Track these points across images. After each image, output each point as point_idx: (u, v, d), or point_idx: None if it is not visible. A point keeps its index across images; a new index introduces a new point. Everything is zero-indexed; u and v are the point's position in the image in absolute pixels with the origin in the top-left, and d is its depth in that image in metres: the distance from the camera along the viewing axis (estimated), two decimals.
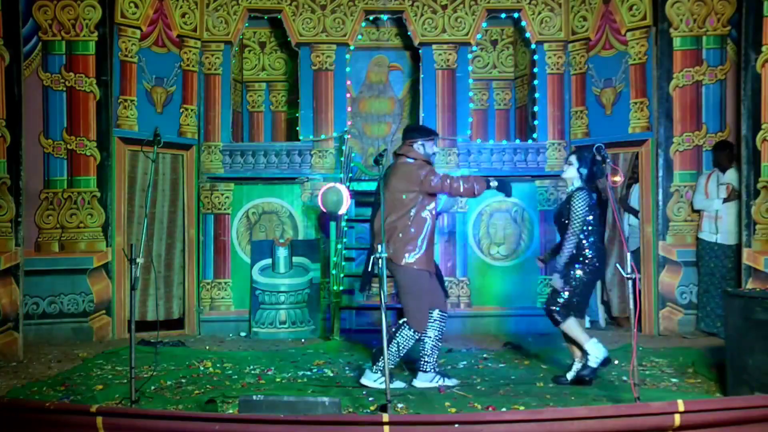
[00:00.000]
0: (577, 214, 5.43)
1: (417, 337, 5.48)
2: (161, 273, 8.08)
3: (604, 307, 8.46)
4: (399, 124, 9.27)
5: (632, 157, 8.10)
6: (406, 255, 5.41)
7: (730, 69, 7.66)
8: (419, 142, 5.62)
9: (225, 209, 8.37)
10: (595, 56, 8.28)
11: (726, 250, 7.50)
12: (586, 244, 5.46)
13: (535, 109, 8.52)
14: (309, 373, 6.02)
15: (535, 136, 8.51)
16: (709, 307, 7.57)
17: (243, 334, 8.09)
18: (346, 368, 6.21)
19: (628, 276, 4.55)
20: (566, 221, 5.51)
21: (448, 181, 5.44)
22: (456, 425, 3.79)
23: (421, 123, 8.51)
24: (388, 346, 5.45)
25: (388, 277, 5.49)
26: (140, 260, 4.76)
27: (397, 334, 5.46)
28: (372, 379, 5.45)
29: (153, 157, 5.10)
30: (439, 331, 5.55)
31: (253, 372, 6.05)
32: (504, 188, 5.63)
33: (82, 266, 7.58)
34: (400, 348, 5.44)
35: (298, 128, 8.56)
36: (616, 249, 8.21)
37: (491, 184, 5.56)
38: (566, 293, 5.46)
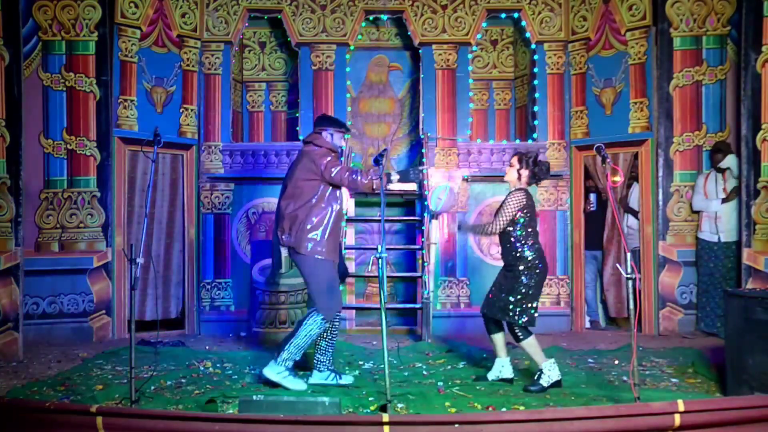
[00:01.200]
0: (506, 209, 5.40)
1: (326, 326, 5.41)
2: (161, 273, 8.08)
3: (603, 307, 8.46)
4: (399, 124, 9.27)
5: (632, 157, 8.10)
6: (308, 244, 5.36)
7: (730, 69, 7.66)
8: (329, 131, 5.59)
9: (225, 209, 8.37)
10: (595, 56, 8.28)
11: (726, 250, 7.50)
12: (527, 247, 5.42)
13: (535, 109, 8.52)
14: (309, 373, 6.01)
15: (535, 136, 8.51)
16: (708, 307, 7.58)
17: (243, 334, 8.09)
18: (346, 368, 6.20)
19: (628, 276, 4.56)
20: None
21: (347, 173, 5.37)
22: (456, 425, 3.79)
23: (421, 123, 8.52)
24: (294, 337, 5.34)
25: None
26: (140, 260, 4.76)
27: (305, 322, 5.36)
28: (275, 372, 5.32)
29: (153, 157, 5.10)
30: (322, 330, 5.45)
31: (253, 372, 6.04)
32: (407, 179, 5.62)
33: (82, 266, 7.58)
34: (307, 339, 5.34)
35: (298, 128, 8.56)
36: (615, 249, 8.21)
37: (392, 178, 5.51)
38: (518, 304, 5.38)
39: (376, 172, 5.38)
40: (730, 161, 7.48)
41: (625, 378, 5.58)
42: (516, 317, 5.38)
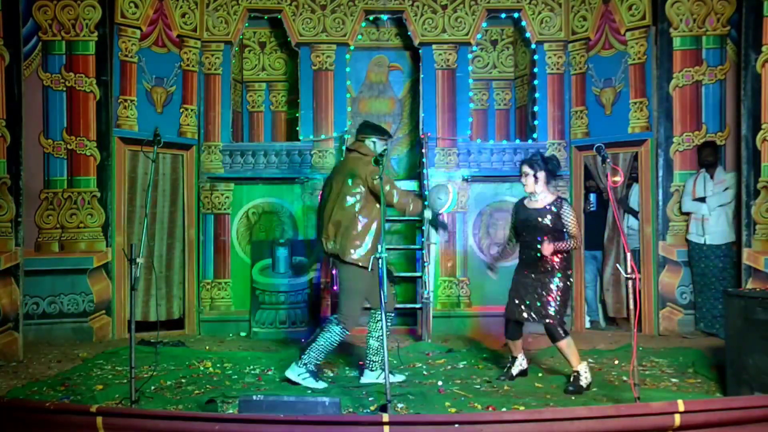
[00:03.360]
0: (571, 223, 5.44)
1: (344, 335, 5.47)
2: (162, 273, 8.07)
3: (602, 307, 8.46)
4: (399, 124, 9.27)
5: (632, 157, 8.10)
6: (352, 251, 5.37)
7: (730, 69, 7.66)
8: (372, 139, 5.61)
9: (225, 209, 8.37)
10: (595, 56, 8.28)
11: (715, 250, 7.52)
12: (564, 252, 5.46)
13: (535, 109, 8.52)
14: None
15: (535, 136, 8.51)
16: (705, 308, 7.58)
17: (243, 334, 8.09)
18: (346, 368, 6.21)
19: (628, 276, 4.56)
20: (544, 230, 5.47)
21: (388, 187, 5.36)
22: (456, 425, 3.79)
23: (421, 123, 8.52)
24: (315, 341, 5.44)
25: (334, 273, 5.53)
26: (140, 260, 4.76)
27: (325, 328, 5.46)
28: (296, 373, 5.45)
29: (153, 157, 5.10)
30: (342, 337, 5.53)
31: (253, 372, 6.05)
32: (435, 224, 5.67)
33: (82, 266, 7.58)
34: (327, 344, 5.44)
35: (298, 128, 8.56)
36: (615, 249, 8.21)
37: (425, 213, 5.60)
38: (557, 306, 5.42)
39: (417, 202, 5.48)
40: (730, 180, 7.50)
41: (625, 378, 5.58)
42: (554, 319, 5.41)
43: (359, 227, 5.40)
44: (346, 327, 5.44)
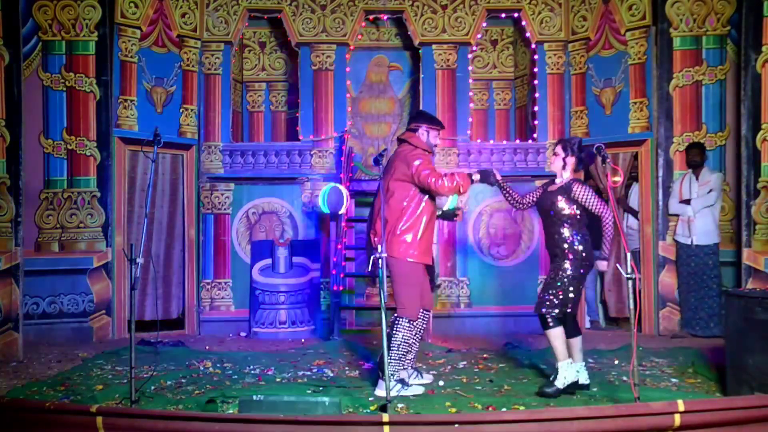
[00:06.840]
0: (592, 200, 5.25)
1: (413, 325, 5.29)
2: (161, 273, 8.08)
3: (602, 307, 8.46)
4: (399, 124, 9.27)
5: (631, 157, 8.10)
6: (400, 247, 5.25)
7: (730, 69, 7.66)
8: (424, 129, 5.46)
9: (225, 209, 8.37)
10: (595, 56, 8.28)
11: (704, 249, 7.53)
12: (578, 238, 5.29)
13: (535, 109, 8.52)
14: (309, 373, 6.02)
15: (535, 136, 8.51)
16: (690, 309, 7.58)
17: (243, 334, 8.09)
18: (346, 368, 6.21)
19: (628, 276, 4.56)
20: (557, 214, 5.30)
21: (433, 179, 5.22)
22: (456, 425, 3.79)
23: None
24: (389, 347, 5.25)
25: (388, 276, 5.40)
26: (140, 260, 4.76)
27: (395, 330, 5.26)
28: (385, 389, 5.15)
29: (153, 157, 5.10)
30: (418, 330, 5.40)
31: (253, 372, 6.05)
32: (486, 178, 5.40)
33: (82, 266, 7.58)
34: (401, 341, 5.24)
35: (298, 128, 8.56)
36: (615, 249, 8.20)
37: (473, 177, 5.35)
38: (559, 292, 5.22)
39: (462, 176, 5.28)
40: (714, 182, 7.48)
41: (625, 378, 5.58)
42: (549, 307, 5.21)
43: (407, 222, 5.27)
44: (410, 317, 5.26)
